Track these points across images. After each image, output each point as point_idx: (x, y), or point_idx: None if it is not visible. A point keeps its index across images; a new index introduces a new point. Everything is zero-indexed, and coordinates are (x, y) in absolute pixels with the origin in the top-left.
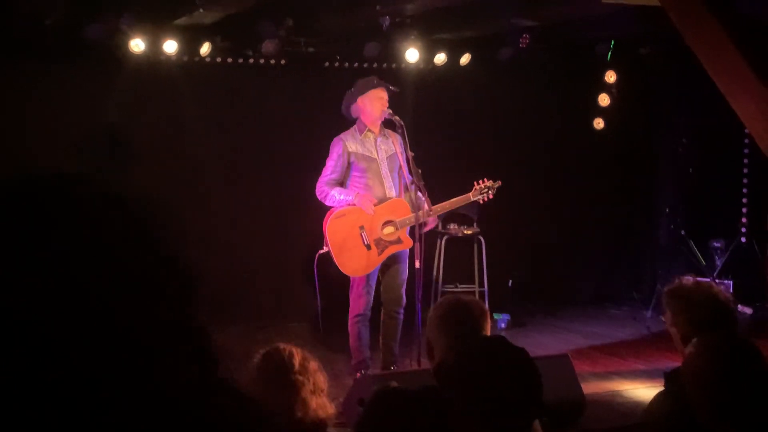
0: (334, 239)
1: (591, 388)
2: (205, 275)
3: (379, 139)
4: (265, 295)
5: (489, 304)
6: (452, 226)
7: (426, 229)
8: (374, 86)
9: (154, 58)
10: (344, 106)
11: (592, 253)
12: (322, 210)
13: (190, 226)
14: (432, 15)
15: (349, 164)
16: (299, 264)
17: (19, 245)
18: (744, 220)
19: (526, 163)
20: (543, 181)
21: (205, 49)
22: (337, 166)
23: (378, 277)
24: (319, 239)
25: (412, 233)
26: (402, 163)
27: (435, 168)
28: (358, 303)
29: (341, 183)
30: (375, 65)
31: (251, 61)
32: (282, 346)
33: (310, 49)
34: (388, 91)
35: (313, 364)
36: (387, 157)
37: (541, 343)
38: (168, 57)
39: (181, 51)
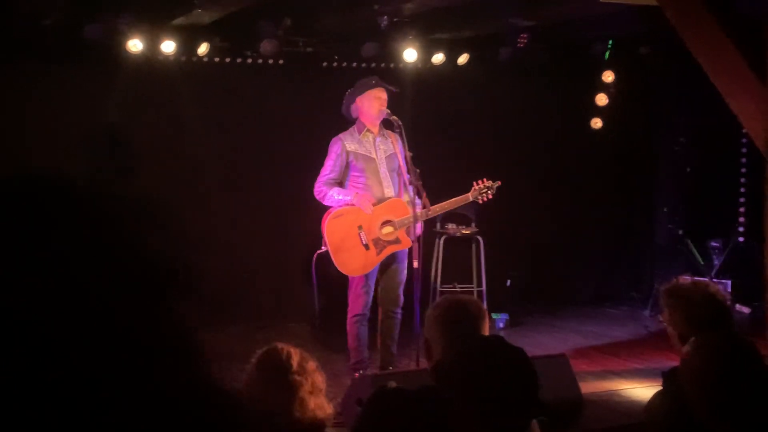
0: (332, 239)
1: (589, 387)
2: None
3: (378, 139)
4: (264, 295)
5: (487, 303)
6: (451, 226)
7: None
8: (372, 86)
9: (152, 58)
10: (344, 106)
11: (591, 252)
12: (322, 210)
13: (190, 226)
14: (430, 15)
15: (348, 164)
16: (299, 264)
17: (19, 245)
18: (742, 219)
19: (524, 162)
20: (541, 181)
21: (203, 49)
22: (336, 165)
23: (376, 277)
24: (319, 239)
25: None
26: (401, 164)
27: (433, 168)
28: (357, 303)
29: (340, 183)
30: (373, 65)
31: (249, 61)
32: (280, 346)
33: (309, 49)
34: (387, 91)
35: (312, 364)
36: (386, 157)
37: (540, 342)
38: (166, 57)
39: (179, 51)
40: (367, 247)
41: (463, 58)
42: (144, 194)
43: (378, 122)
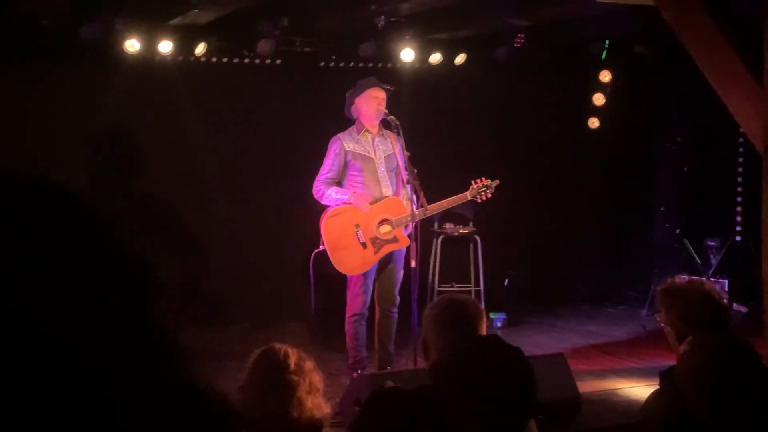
0: (329, 237)
1: (587, 386)
2: (203, 275)
3: (377, 139)
4: (264, 295)
5: (485, 303)
6: (448, 226)
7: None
8: (369, 86)
9: (149, 58)
10: (345, 107)
11: (588, 252)
12: (320, 209)
13: (188, 226)
14: (427, 14)
15: (346, 163)
16: (299, 264)
17: (19, 245)
18: (739, 218)
19: (521, 162)
20: (538, 180)
21: (201, 49)
22: (334, 164)
23: (374, 276)
24: (318, 239)
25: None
26: (400, 164)
27: (431, 168)
28: (355, 302)
29: (338, 182)
30: (370, 65)
31: (247, 60)
32: (277, 345)
33: (306, 49)
34: (385, 90)
35: (309, 364)
36: (385, 157)
37: (538, 341)
38: (163, 57)
39: (177, 51)
40: (364, 245)
41: (460, 58)
42: (142, 193)
43: (377, 122)
